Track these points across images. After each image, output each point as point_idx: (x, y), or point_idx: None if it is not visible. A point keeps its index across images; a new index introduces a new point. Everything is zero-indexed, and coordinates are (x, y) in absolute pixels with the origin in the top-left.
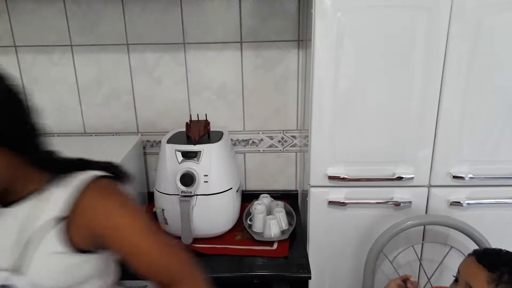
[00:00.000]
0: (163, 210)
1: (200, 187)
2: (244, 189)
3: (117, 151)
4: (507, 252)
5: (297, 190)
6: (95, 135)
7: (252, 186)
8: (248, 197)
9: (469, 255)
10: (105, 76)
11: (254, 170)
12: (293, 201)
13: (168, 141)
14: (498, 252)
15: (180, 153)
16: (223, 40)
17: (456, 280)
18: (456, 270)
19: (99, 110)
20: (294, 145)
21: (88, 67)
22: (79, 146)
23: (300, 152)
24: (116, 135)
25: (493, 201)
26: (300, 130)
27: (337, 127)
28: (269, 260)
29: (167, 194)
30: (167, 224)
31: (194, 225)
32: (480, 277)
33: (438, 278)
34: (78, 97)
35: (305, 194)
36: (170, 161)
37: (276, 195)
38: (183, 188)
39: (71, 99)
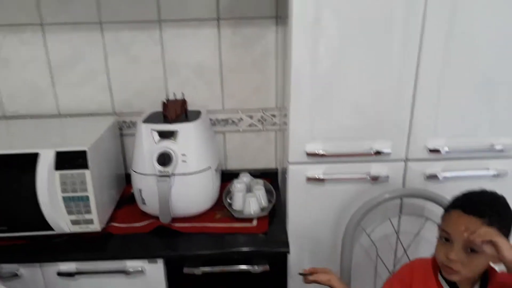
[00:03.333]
0: (140, 190)
1: (178, 166)
2: (224, 168)
3: (91, 132)
4: (481, 192)
5: (277, 169)
6: (70, 117)
7: (232, 165)
8: (228, 177)
9: (450, 209)
10: (79, 56)
11: (234, 150)
12: (273, 179)
13: (144, 121)
14: (476, 196)
15: (156, 133)
16: (199, 17)
17: (446, 240)
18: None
19: (73, 91)
20: (274, 124)
21: (60, 47)
22: (53, 128)
23: (279, 130)
24: (91, 116)
25: (468, 173)
26: (280, 108)
27: (315, 104)
28: (249, 236)
29: (144, 175)
30: (145, 204)
31: (172, 204)
32: (476, 228)
33: (415, 250)
34: (51, 78)
35: (285, 172)
36: (147, 141)
37: (256, 174)
38: (160, 168)
39: (43, 80)
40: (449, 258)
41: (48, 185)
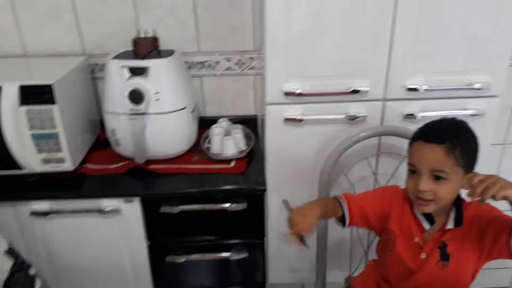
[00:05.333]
0: (114, 130)
1: (151, 105)
2: (202, 115)
3: (59, 69)
4: (440, 120)
5: (256, 115)
6: (37, 57)
7: (210, 112)
8: (207, 123)
9: (413, 141)
10: None
11: (212, 95)
12: (252, 125)
13: (114, 58)
14: (435, 124)
15: (127, 69)
16: None
17: (413, 172)
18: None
19: (38, 31)
20: (252, 68)
21: None
22: (18, 66)
23: (258, 75)
24: (60, 57)
25: (446, 113)
26: (258, 51)
27: (293, 42)
28: (226, 176)
29: (116, 114)
30: (119, 145)
31: (148, 145)
32: (439, 155)
33: None
34: (14, 16)
35: (264, 116)
36: (117, 78)
37: (236, 120)
38: (132, 105)
39: (5, 18)
40: (418, 189)
41: (13, 121)
